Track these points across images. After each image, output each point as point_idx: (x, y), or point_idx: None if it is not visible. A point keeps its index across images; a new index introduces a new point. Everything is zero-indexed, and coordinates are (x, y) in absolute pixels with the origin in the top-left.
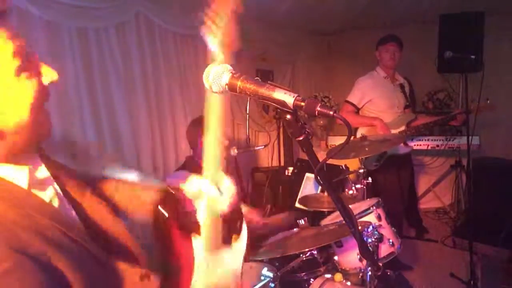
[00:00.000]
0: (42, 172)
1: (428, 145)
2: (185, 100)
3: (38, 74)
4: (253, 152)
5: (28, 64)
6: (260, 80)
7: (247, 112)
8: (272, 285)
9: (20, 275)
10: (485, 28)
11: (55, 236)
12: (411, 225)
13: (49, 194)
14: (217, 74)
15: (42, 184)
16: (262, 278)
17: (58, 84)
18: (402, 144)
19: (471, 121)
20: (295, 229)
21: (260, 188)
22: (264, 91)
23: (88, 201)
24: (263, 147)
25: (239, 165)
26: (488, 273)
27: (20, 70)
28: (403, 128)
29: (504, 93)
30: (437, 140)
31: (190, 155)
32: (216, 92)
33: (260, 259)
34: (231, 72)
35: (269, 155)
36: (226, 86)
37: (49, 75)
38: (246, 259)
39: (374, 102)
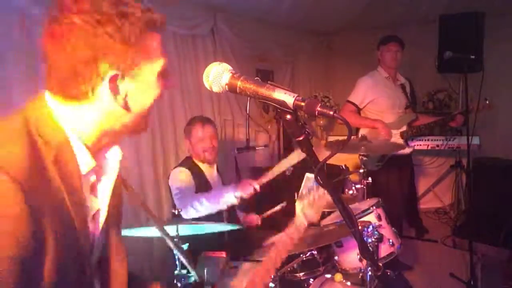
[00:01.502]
0: (106, 179)
1: (428, 145)
2: (185, 100)
3: (166, 79)
4: (253, 152)
5: (165, 72)
6: (260, 80)
7: (247, 112)
8: (272, 285)
9: (23, 227)
10: (485, 28)
11: (67, 221)
12: (411, 225)
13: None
14: (217, 74)
15: (93, 188)
16: None
17: None
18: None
19: (471, 121)
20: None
21: (260, 188)
22: (264, 91)
23: (116, 239)
24: (263, 147)
25: (239, 165)
26: (488, 273)
27: (161, 75)
28: (404, 128)
29: (504, 93)
30: (437, 140)
31: (189, 155)
32: (216, 92)
33: (260, 259)
34: (231, 72)
35: (269, 155)
36: (226, 86)
37: (173, 83)
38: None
39: (376, 102)
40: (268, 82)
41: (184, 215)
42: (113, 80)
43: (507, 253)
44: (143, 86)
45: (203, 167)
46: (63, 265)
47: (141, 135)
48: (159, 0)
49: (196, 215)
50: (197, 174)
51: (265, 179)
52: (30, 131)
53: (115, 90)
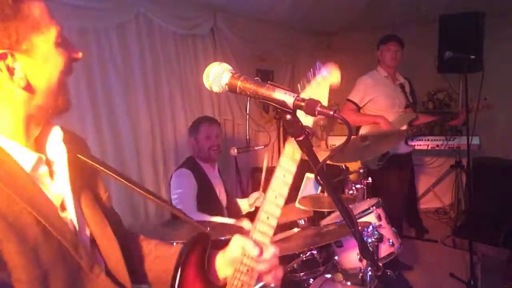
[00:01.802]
0: (60, 162)
1: (428, 145)
2: (185, 100)
3: (67, 48)
4: (253, 152)
5: (64, 41)
6: (260, 80)
7: (247, 112)
8: (272, 285)
9: None
10: (485, 28)
11: (27, 224)
12: (411, 225)
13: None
14: (217, 74)
15: (44, 173)
16: None
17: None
18: (403, 144)
19: (471, 121)
20: (295, 229)
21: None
22: (264, 91)
23: (91, 211)
24: (263, 147)
25: (239, 165)
26: (488, 273)
27: (58, 44)
28: (405, 127)
29: (504, 93)
30: (437, 140)
31: (191, 155)
32: (216, 92)
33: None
34: (231, 72)
35: (269, 155)
36: (226, 86)
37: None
38: None
39: (375, 101)
40: (268, 82)
41: None
42: (2, 59)
43: (507, 253)
44: (40, 60)
45: (205, 167)
46: (38, 258)
47: (141, 135)
48: (159, 0)
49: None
50: (199, 174)
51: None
52: None
53: (9, 71)
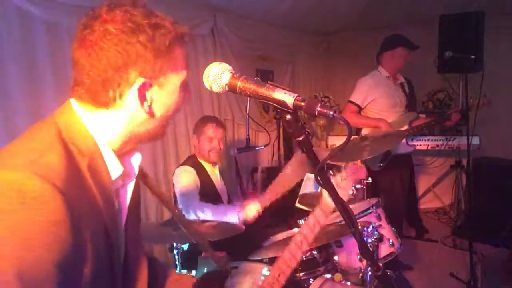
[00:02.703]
0: (128, 187)
1: (428, 145)
2: None
3: (186, 95)
4: (253, 152)
5: (186, 84)
6: (260, 80)
7: (247, 112)
8: None
9: (63, 232)
10: (485, 28)
11: (99, 230)
12: (411, 225)
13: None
14: (217, 74)
15: (116, 193)
16: (262, 278)
17: (57, 83)
18: (405, 143)
19: (471, 121)
20: (295, 229)
21: (260, 188)
22: (264, 91)
23: (134, 236)
24: (263, 147)
25: (239, 165)
26: (488, 273)
27: (183, 85)
28: (406, 127)
29: (504, 93)
30: (437, 140)
31: (192, 154)
32: (216, 92)
33: (260, 259)
34: (231, 72)
35: (269, 155)
36: (226, 86)
37: (190, 98)
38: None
39: (377, 102)
40: (268, 82)
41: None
42: (142, 87)
43: (507, 253)
44: (167, 95)
45: (207, 166)
46: (98, 272)
47: None
48: (159, 0)
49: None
50: (201, 172)
51: (269, 199)
52: (64, 140)
53: (142, 98)
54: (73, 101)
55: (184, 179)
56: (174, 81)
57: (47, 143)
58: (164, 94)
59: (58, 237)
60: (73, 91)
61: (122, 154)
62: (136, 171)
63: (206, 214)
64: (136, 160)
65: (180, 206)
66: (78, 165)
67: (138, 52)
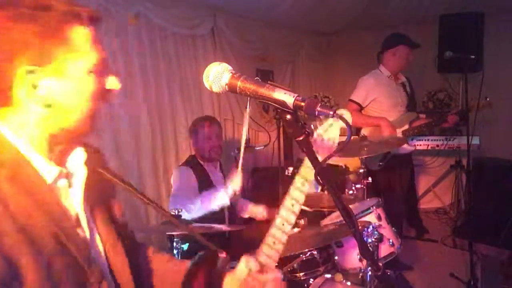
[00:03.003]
0: (78, 178)
1: (428, 145)
2: (185, 100)
3: (104, 77)
4: (253, 152)
5: (99, 67)
6: (260, 80)
7: (247, 112)
8: None
9: None
10: (485, 28)
11: (44, 236)
12: (411, 225)
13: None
14: (217, 74)
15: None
16: None
17: None
18: (405, 144)
19: (471, 121)
20: (295, 229)
21: (260, 188)
22: (264, 91)
23: (105, 228)
24: (263, 147)
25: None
26: (488, 273)
27: (94, 72)
28: (406, 127)
29: (504, 93)
30: (437, 140)
31: (192, 154)
32: (216, 92)
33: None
34: (231, 72)
35: (269, 155)
36: (226, 86)
37: (112, 83)
38: None
39: (378, 101)
40: (268, 82)
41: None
42: (33, 76)
43: (507, 253)
44: (68, 83)
45: (207, 166)
46: (53, 273)
47: (141, 134)
48: (159, 0)
49: (188, 217)
50: (200, 172)
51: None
52: None
53: (34, 86)
54: None
55: (179, 178)
56: (75, 67)
57: None
58: (64, 83)
59: None
60: None
61: (58, 155)
62: (82, 166)
63: (196, 204)
64: (77, 157)
65: (169, 206)
66: None
67: (21, 38)
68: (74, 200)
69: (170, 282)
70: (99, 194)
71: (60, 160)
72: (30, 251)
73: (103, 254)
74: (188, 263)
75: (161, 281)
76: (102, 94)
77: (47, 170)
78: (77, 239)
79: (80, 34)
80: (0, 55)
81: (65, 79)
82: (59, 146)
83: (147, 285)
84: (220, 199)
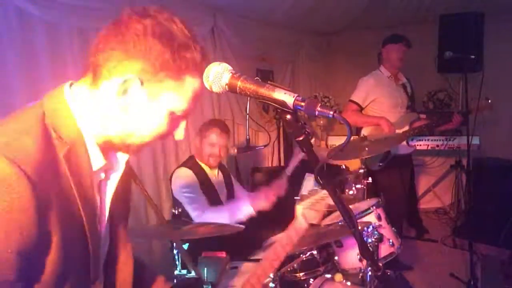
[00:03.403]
0: (114, 176)
1: (428, 145)
2: None
3: (177, 125)
4: (253, 152)
5: (181, 116)
6: (260, 80)
7: (247, 112)
8: (272, 285)
9: (23, 218)
10: (485, 28)
11: (75, 221)
12: (411, 225)
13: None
14: (217, 74)
15: (99, 186)
16: None
17: (57, 84)
18: (405, 144)
19: (471, 121)
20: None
21: (260, 188)
22: (264, 91)
23: (122, 226)
24: (263, 147)
25: (239, 165)
26: (488, 273)
27: (172, 116)
28: (406, 128)
29: (504, 93)
30: (437, 140)
31: (192, 154)
32: (216, 92)
33: (260, 259)
34: (231, 72)
35: (269, 155)
36: (226, 86)
37: (179, 134)
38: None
39: (378, 102)
40: (268, 82)
41: (196, 218)
42: (130, 82)
43: (507, 253)
44: (151, 109)
45: (205, 167)
46: (67, 259)
47: None
48: (159, 0)
49: (203, 221)
50: (200, 174)
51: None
52: (45, 124)
53: (125, 91)
54: (66, 85)
55: (182, 177)
56: (167, 100)
57: (28, 125)
58: (147, 104)
59: (20, 224)
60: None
61: (107, 148)
62: (122, 166)
63: (220, 215)
64: (123, 155)
65: (190, 209)
66: (54, 152)
67: (153, 53)
68: (106, 194)
69: None
70: (123, 194)
71: (108, 154)
72: (61, 232)
73: (106, 249)
74: None
75: None
76: (163, 137)
77: (96, 158)
78: (96, 234)
79: (193, 83)
80: (128, 54)
81: (151, 104)
82: (112, 146)
83: None
84: (245, 210)
